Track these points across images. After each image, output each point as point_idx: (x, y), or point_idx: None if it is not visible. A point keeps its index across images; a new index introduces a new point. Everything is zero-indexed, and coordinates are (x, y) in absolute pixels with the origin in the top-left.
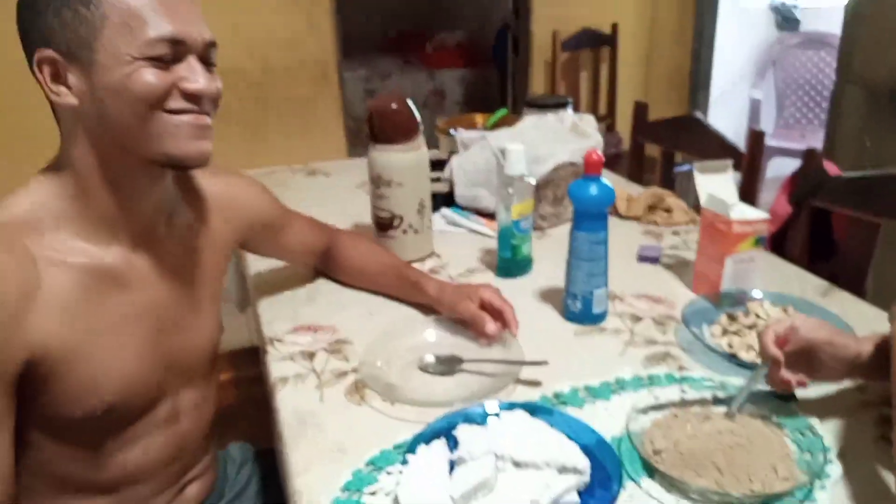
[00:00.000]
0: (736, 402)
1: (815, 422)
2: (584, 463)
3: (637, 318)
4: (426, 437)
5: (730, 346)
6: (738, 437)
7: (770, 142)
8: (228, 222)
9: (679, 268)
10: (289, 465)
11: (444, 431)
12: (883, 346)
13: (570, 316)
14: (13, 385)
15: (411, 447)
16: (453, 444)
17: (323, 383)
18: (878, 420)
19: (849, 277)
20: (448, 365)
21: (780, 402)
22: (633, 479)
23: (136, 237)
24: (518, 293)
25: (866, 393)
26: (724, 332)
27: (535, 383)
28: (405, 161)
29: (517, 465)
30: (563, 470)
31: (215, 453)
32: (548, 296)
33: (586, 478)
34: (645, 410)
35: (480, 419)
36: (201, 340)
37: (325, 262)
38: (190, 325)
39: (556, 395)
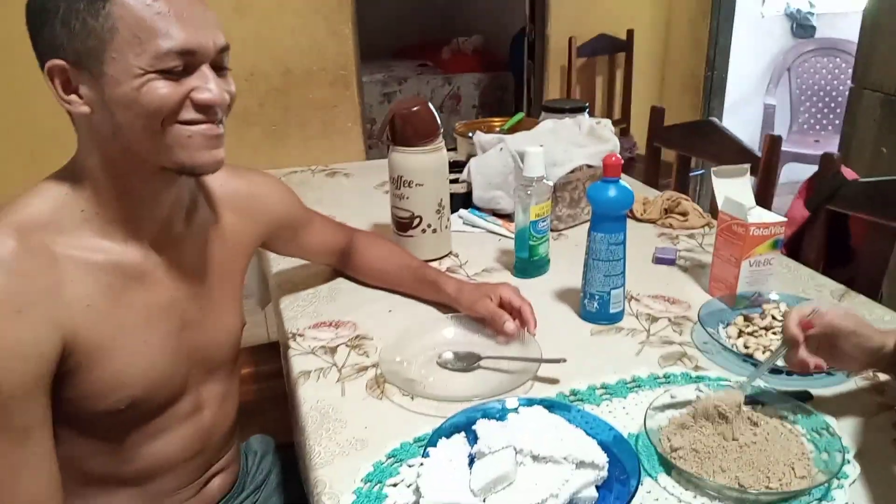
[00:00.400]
0: (752, 377)
1: (832, 422)
2: (602, 458)
3: (653, 319)
4: (446, 431)
5: (745, 346)
6: (753, 437)
7: (784, 147)
8: (250, 221)
9: (695, 270)
10: (310, 458)
11: (464, 426)
12: None
13: (586, 316)
14: (51, 385)
15: (432, 440)
16: (472, 438)
17: (344, 377)
18: (895, 421)
19: (864, 282)
20: (466, 361)
21: (796, 402)
22: (650, 476)
23: (155, 236)
24: (535, 293)
25: (884, 395)
26: (740, 332)
27: (552, 381)
28: (425, 162)
29: (536, 459)
30: (581, 465)
31: (238, 447)
32: (564, 296)
33: (604, 473)
34: (662, 408)
35: (500, 414)
36: (223, 335)
37: (345, 262)
38: (212, 321)
39: (574, 393)
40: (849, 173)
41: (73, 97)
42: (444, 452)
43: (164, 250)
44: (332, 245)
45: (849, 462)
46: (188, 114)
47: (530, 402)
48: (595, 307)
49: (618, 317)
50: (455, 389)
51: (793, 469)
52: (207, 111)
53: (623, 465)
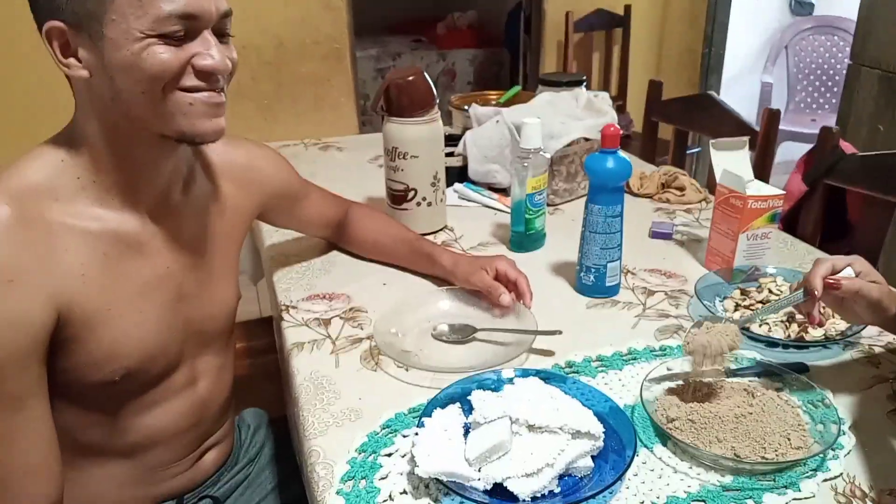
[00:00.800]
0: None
1: (828, 394)
2: (598, 428)
3: (650, 292)
4: (441, 402)
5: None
6: (751, 408)
7: (781, 126)
8: (247, 192)
9: (691, 244)
10: (304, 428)
11: (459, 397)
12: None
13: (582, 289)
14: (46, 354)
15: (427, 411)
16: (468, 409)
17: (338, 349)
18: (892, 394)
19: (861, 256)
20: (462, 333)
21: (793, 374)
22: (646, 446)
23: (152, 205)
24: (531, 267)
25: (879, 368)
26: (737, 306)
27: (548, 353)
28: (420, 133)
29: (532, 429)
30: (577, 435)
31: (233, 420)
32: (560, 269)
33: (600, 443)
34: (658, 380)
35: (495, 385)
36: (219, 307)
37: (340, 234)
38: (207, 292)
39: (569, 365)
40: (847, 147)
41: (72, 60)
42: (439, 422)
43: (162, 220)
44: (328, 217)
45: (844, 433)
46: (189, 80)
47: (526, 373)
48: (591, 280)
49: (614, 290)
50: (450, 361)
51: (788, 440)
52: (209, 78)
53: (619, 436)
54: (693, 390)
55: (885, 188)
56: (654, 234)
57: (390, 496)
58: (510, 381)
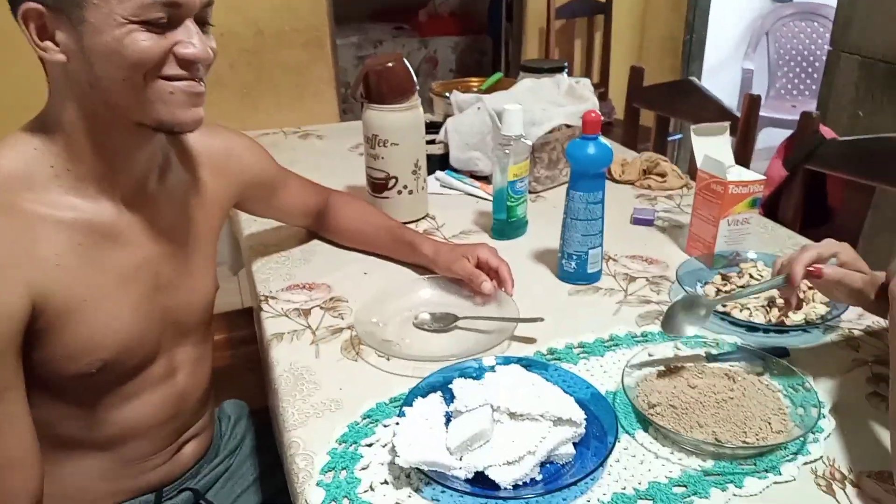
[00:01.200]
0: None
1: (808, 378)
2: (579, 415)
3: (631, 279)
4: (422, 391)
5: (723, 304)
6: (731, 392)
7: (762, 112)
8: (225, 180)
9: (673, 230)
10: (284, 419)
11: (440, 385)
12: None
13: (564, 276)
14: (22, 346)
15: (408, 400)
16: (449, 397)
17: (318, 339)
18: (871, 377)
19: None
20: (443, 322)
21: (773, 358)
22: (627, 432)
23: (128, 194)
24: (512, 254)
25: (860, 351)
26: (718, 291)
27: (529, 340)
28: (401, 120)
29: (513, 416)
30: (559, 422)
31: (213, 412)
32: (542, 257)
33: (582, 430)
34: (639, 366)
35: (476, 373)
36: (197, 297)
37: (320, 223)
38: (185, 283)
39: (551, 352)
40: (827, 132)
41: (49, 44)
42: (420, 412)
43: (138, 209)
44: (307, 205)
45: (824, 416)
46: (171, 69)
47: (507, 361)
48: (573, 267)
49: (596, 277)
50: (432, 350)
51: (769, 424)
52: (190, 67)
53: (601, 422)
54: (674, 376)
55: (865, 173)
56: (636, 221)
57: (371, 486)
58: (491, 368)
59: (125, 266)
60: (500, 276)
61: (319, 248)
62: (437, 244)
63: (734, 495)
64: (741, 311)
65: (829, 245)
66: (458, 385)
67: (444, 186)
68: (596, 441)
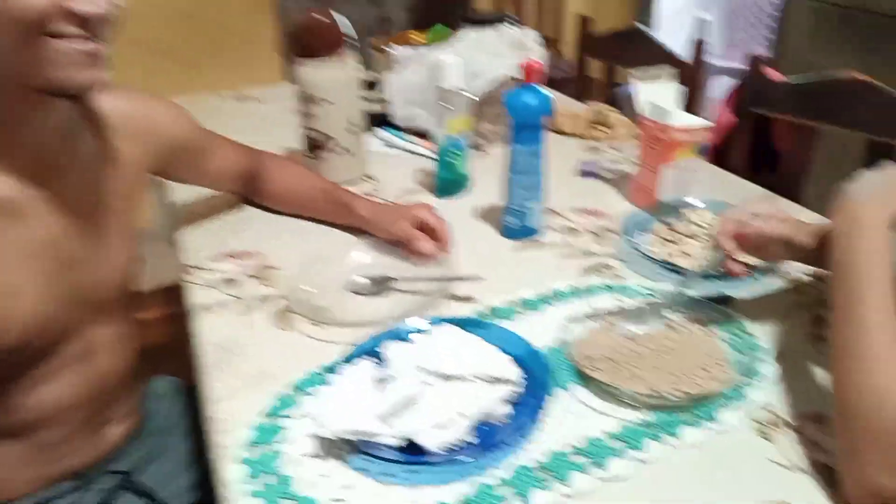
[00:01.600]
0: (670, 310)
1: (749, 324)
2: (514, 374)
3: (575, 232)
4: (352, 357)
5: (668, 254)
6: (671, 343)
7: (717, 62)
8: (141, 147)
9: (620, 182)
10: (209, 394)
11: (372, 350)
12: (824, 242)
13: (507, 232)
14: None
15: (335, 367)
16: (382, 362)
17: (248, 310)
18: (813, 320)
19: (789, 186)
20: (379, 285)
21: (715, 306)
22: (565, 389)
23: (31, 166)
24: (457, 213)
25: (802, 294)
26: (662, 240)
27: (469, 299)
28: (334, 77)
29: (445, 378)
30: (493, 381)
31: (141, 392)
32: (487, 214)
33: (517, 388)
34: (579, 320)
35: (410, 336)
36: (111, 274)
37: (252, 187)
38: (98, 258)
39: (492, 310)
40: (776, 76)
41: None
42: (348, 379)
43: (43, 183)
44: (236, 169)
45: (765, 361)
46: (62, 26)
47: (442, 321)
48: (515, 223)
49: (538, 231)
50: (368, 314)
51: (708, 372)
52: (84, 24)
53: (538, 380)
54: (614, 328)
55: (811, 114)
56: (583, 173)
57: (297, 460)
58: (425, 330)
59: (27, 243)
60: (438, 235)
61: (253, 215)
62: (373, 205)
63: (672, 446)
64: (684, 258)
65: (745, 206)
66: (389, 348)
67: (387, 145)
68: (533, 399)
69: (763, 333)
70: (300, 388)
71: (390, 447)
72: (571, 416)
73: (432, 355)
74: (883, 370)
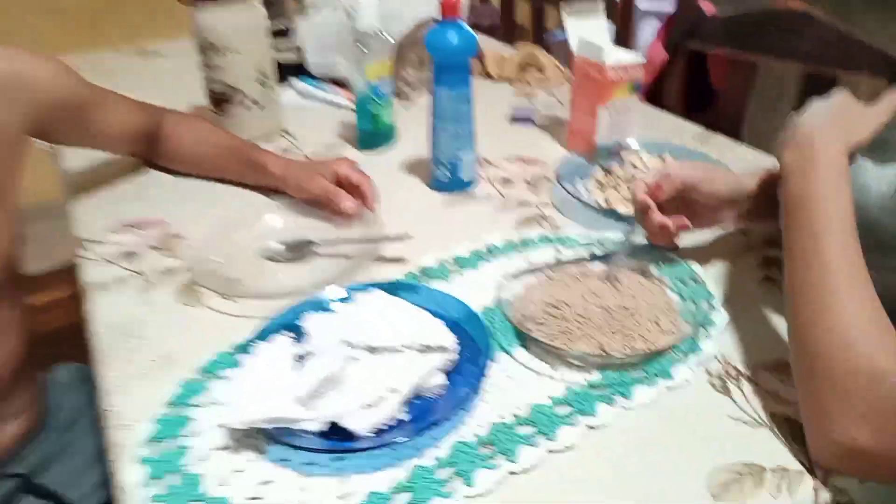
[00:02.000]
0: (614, 260)
1: (697, 269)
2: (449, 340)
3: (510, 182)
4: (267, 333)
5: (606, 200)
6: (616, 295)
7: (649, 6)
8: (13, 106)
9: (554, 128)
10: (104, 384)
11: (290, 324)
12: (767, 183)
13: (437, 185)
14: None
15: (247, 346)
16: (302, 337)
17: (149, 286)
18: (763, 262)
19: (726, 123)
20: (298, 250)
21: (659, 252)
22: (505, 351)
23: None
24: (383, 167)
25: (749, 235)
26: (601, 186)
27: (398, 260)
28: (238, 22)
29: (373, 351)
30: (426, 350)
31: (40, 383)
32: (414, 167)
33: (453, 356)
34: (517, 275)
35: (332, 305)
36: None
37: (151, 148)
38: None
39: (423, 271)
40: (708, 8)
41: None
42: (263, 358)
43: None
44: (132, 128)
45: (716, 309)
46: None
47: (367, 287)
48: (445, 175)
49: (471, 183)
50: (285, 284)
51: (658, 324)
52: None
53: (476, 344)
54: (555, 283)
55: (746, 46)
56: (515, 120)
57: (207, 456)
58: (349, 298)
59: None
60: (361, 192)
61: (156, 180)
62: (287, 162)
63: (623, 408)
64: (625, 205)
65: (664, 168)
66: (309, 321)
67: (305, 97)
68: (471, 365)
69: (711, 278)
70: (209, 371)
71: (313, 433)
72: (514, 383)
73: (357, 326)
74: (849, 310)
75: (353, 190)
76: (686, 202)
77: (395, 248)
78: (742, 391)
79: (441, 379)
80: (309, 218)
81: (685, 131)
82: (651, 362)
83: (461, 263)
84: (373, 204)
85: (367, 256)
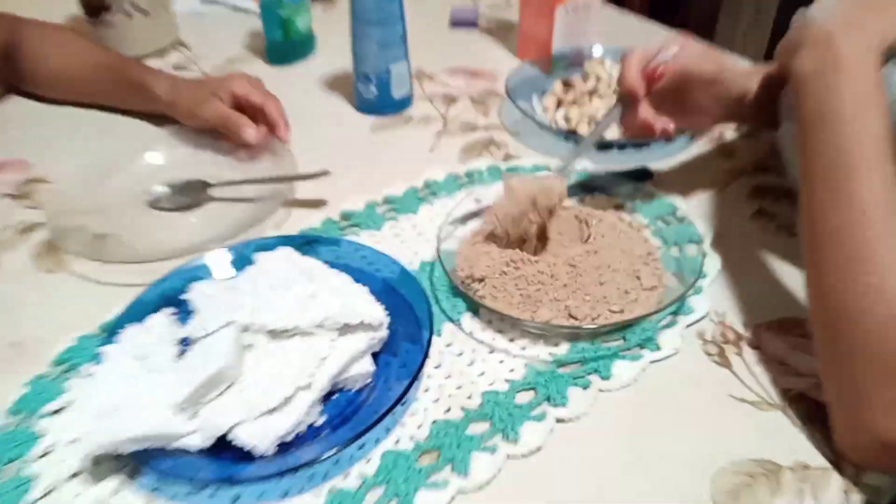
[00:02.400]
0: (573, 155)
1: (679, 203)
2: (377, 314)
3: (451, 100)
4: (145, 310)
5: (566, 119)
6: (586, 242)
7: None
8: None
9: (502, 32)
10: None
11: (175, 296)
12: (769, 82)
13: (363, 106)
14: None
15: (112, 330)
16: (186, 315)
17: (1, 247)
18: (753, 192)
19: (697, 24)
20: (189, 194)
21: (634, 183)
22: (451, 321)
23: None
24: (296, 85)
25: (733, 159)
26: (560, 103)
27: (317, 203)
28: None
29: (275, 335)
30: (346, 330)
31: None
32: (337, 84)
33: (383, 333)
34: (463, 220)
35: (227, 271)
36: None
37: (9, 69)
38: None
39: (346, 217)
40: None
41: None
42: (132, 347)
43: None
44: None
45: (705, 254)
46: None
47: (272, 245)
48: (373, 93)
49: (405, 103)
50: (175, 239)
51: (638, 278)
52: None
53: (414, 314)
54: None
55: None
56: (455, 23)
57: (53, 486)
58: (248, 260)
59: None
60: (268, 117)
61: (12, 108)
62: (175, 81)
63: (601, 391)
64: (589, 125)
65: (664, 42)
66: (197, 293)
67: (203, 2)
68: (407, 342)
69: (695, 213)
70: (68, 361)
71: (194, 454)
72: (459, 362)
73: (254, 301)
74: (893, 265)
75: (258, 114)
76: (680, 94)
77: (312, 187)
78: (744, 361)
79: (368, 366)
80: (203, 152)
81: (654, 34)
82: (632, 328)
83: (395, 205)
84: (283, 132)
85: (275, 200)
